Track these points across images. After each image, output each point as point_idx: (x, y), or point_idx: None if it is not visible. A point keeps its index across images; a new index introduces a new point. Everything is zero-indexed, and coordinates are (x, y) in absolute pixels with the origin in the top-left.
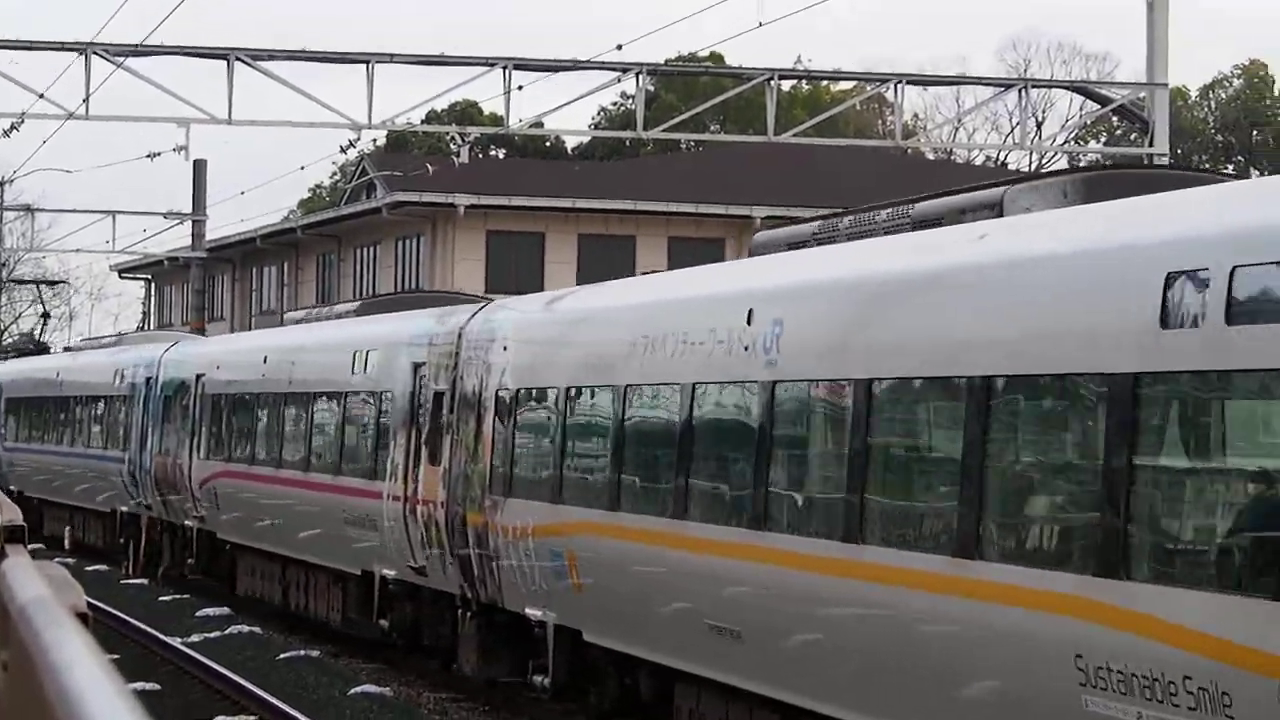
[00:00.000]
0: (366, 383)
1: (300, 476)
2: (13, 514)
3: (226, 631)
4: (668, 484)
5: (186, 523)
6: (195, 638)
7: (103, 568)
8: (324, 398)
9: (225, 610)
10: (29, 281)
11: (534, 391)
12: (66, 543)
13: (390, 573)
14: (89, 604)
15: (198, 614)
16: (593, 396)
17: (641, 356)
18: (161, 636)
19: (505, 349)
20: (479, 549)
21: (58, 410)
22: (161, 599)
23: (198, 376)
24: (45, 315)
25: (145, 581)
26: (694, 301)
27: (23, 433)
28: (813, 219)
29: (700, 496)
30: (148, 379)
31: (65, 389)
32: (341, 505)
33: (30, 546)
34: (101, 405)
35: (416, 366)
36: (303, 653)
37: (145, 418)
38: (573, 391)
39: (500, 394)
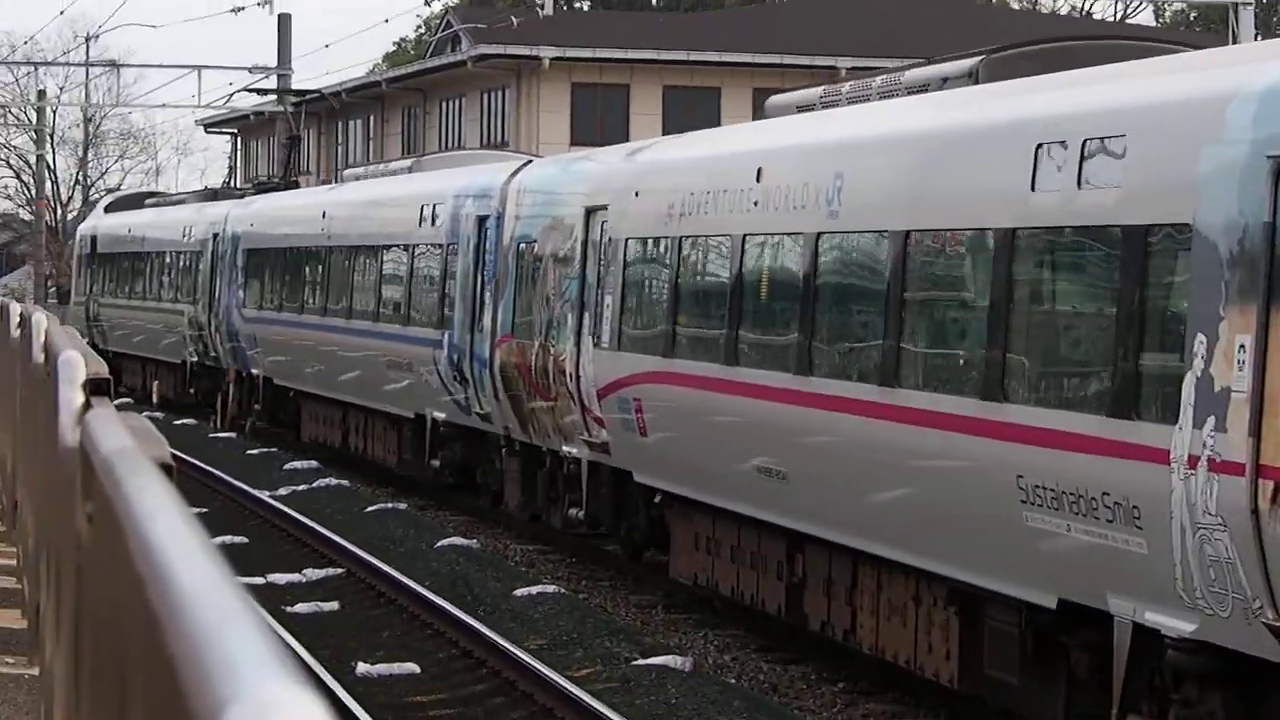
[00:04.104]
0: (1095, 204)
1: (879, 396)
2: (98, 366)
3: (313, 485)
4: None
5: (567, 449)
6: (283, 490)
7: (190, 421)
8: (947, 242)
9: (312, 463)
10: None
11: None
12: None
13: (1183, 625)
14: (174, 455)
15: (284, 467)
16: None
17: None
18: (250, 489)
19: None
20: None
21: (318, 266)
22: (249, 452)
23: (590, 211)
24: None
25: (232, 435)
26: None
27: (270, 299)
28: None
29: None
30: (481, 218)
31: (334, 237)
32: (1015, 464)
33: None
34: (398, 257)
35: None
36: (389, 506)
37: (478, 279)
38: None
39: None
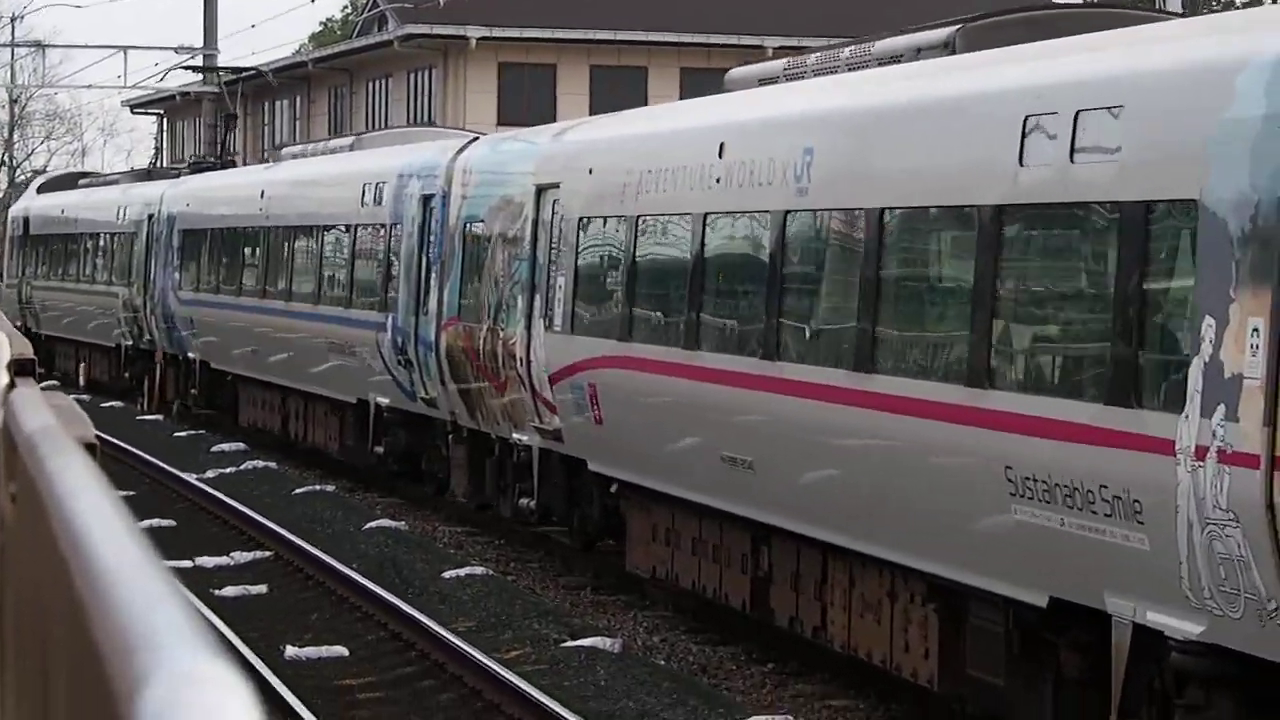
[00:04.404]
0: (1090, 179)
1: (853, 382)
2: (23, 347)
3: (241, 467)
4: None
5: (517, 437)
6: (210, 473)
7: (117, 404)
8: (927, 219)
9: (240, 445)
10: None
11: None
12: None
13: (1189, 626)
14: (99, 437)
15: (212, 450)
16: None
17: None
18: (177, 472)
19: None
20: None
21: (256, 246)
22: (176, 435)
23: (541, 190)
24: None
25: (160, 417)
26: None
27: (207, 281)
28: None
29: None
30: (426, 198)
31: (273, 217)
32: (1003, 454)
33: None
34: (340, 237)
35: None
36: (318, 488)
37: (423, 260)
38: None
39: None
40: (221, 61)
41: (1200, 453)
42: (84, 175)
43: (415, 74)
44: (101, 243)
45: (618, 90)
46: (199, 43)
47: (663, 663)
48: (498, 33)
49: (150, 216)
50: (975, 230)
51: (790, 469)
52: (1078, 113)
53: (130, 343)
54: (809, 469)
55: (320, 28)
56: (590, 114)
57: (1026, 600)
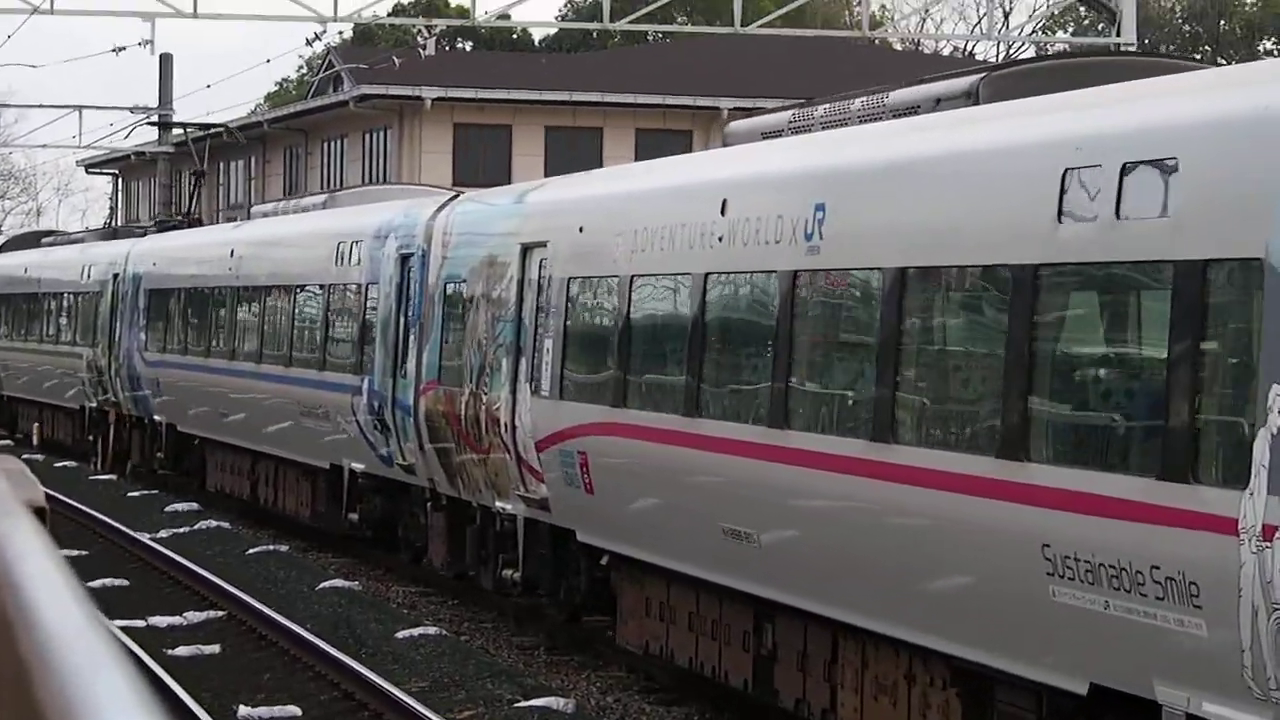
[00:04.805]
0: (1139, 237)
1: (869, 453)
2: None
3: (195, 527)
4: None
5: (501, 505)
6: (164, 533)
7: (70, 463)
8: (952, 280)
9: (194, 505)
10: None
11: None
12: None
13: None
14: (50, 497)
15: (166, 509)
16: None
17: None
18: (130, 532)
19: None
20: None
21: (225, 307)
22: (130, 495)
23: (527, 249)
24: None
25: (113, 477)
26: None
27: (173, 342)
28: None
29: None
30: (405, 257)
31: (243, 277)
32: (1041, 531)
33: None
34: (313, 297)
35: None
36: (271, 548)
37: (401, 321)
38: None
39: None
40: (176, 121)
41: (1268, 532)
42: (48, 234)
43: (370, 134)
44: (65, 302)
45: (573, 151)
46: (154, 103)
47: None
48: (453, 93)
49: (115, 276)
50: (1008, 291)
51: (799, 543)
52: (1124, 165)
53: (94, 404)
54: (820, 543)
55: (276, 88)
56: (545, 175)
57: (1063, 687)
